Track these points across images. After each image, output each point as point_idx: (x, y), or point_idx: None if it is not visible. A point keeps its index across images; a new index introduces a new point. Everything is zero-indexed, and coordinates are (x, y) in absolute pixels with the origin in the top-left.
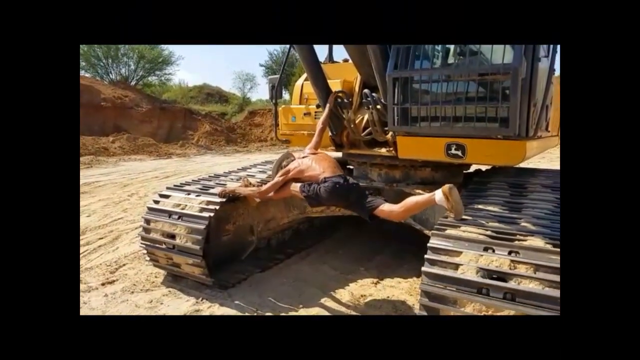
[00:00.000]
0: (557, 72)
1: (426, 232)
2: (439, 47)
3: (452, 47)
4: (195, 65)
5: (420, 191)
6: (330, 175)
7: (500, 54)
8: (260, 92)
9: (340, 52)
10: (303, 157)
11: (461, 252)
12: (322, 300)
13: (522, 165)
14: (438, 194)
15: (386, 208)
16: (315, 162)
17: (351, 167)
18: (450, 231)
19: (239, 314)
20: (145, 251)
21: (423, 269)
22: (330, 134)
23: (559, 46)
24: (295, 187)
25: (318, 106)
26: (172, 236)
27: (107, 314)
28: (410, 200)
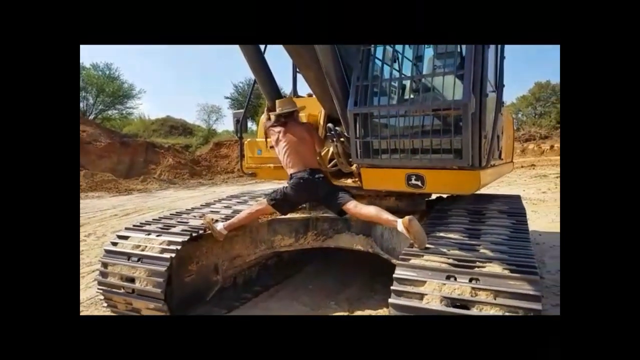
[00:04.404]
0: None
1: (394, 261)
2: (395, 84)
3: (407, 83)
4: (157, 98)
5: None
6: (295, 171)
7: (451, 90)
8: (227, 124)
9: (304, 86)
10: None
11: (425, 282)
12: None
13: (481, 190)
14: (399, 225)
15: (353, 205)
16: (286, 154)
17: None
18: (414, 261)
19: None
20: (102, 297)
21: (390, 300)
22: None
23: (505, 83)
24: (263, 203)
25: (269, 109)
26: (132, 280)
27: None
28: (376, 211)
